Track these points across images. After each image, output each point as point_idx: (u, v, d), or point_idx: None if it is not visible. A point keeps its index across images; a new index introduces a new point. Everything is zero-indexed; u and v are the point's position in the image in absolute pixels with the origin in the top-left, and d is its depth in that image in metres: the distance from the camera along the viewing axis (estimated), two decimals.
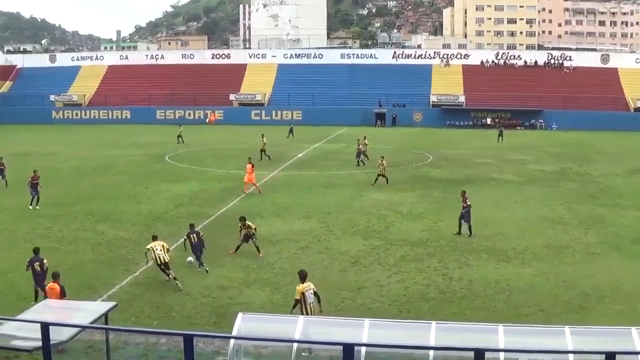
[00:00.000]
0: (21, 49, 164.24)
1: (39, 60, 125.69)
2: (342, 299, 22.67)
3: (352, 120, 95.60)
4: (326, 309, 20.81)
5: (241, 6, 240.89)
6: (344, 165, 53.69)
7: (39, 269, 22.14)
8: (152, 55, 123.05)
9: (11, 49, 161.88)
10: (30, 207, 37.92)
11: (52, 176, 46.78)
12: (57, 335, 12.23)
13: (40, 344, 11.56)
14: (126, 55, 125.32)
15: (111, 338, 16.73)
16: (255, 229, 28.24)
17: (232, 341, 13.03)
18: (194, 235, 26.64)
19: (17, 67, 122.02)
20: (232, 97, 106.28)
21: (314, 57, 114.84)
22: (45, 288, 18.96)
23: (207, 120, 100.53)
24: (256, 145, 58.05)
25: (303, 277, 19.23)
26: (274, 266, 26.39)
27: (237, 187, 43.37)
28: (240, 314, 13.90)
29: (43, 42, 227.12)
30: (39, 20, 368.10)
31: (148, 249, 24.68)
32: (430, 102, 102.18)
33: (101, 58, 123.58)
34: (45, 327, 11.42)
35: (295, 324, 13.30)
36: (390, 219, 34.85)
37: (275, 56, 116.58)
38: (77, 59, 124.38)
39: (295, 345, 12.74)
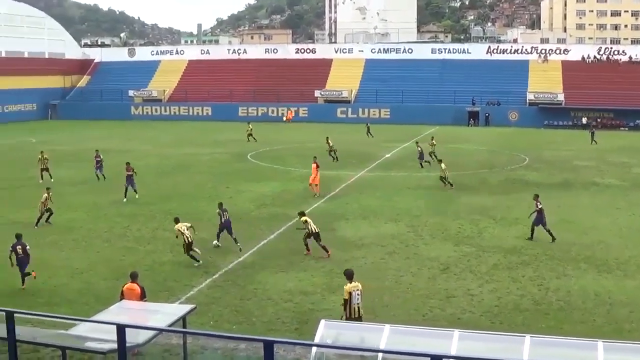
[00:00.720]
0: (99, 43, 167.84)
1: (118, 54, 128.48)
2: (430, 307, 22.55)
3: (442, 119, 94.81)
4: (413, 318, 20.82)
5: None
6: (434, 167, 53.30)
7: (21, 252, 24.59)
8: (234, 50, 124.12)
9: (89, 43, 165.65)
10: (125, 200, 39.38)
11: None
12: (133, 337, 12.39)
13: (115, 346, 11.74)
14: (207, 50, 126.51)
15: (189, 342, 16.97)
16: (311, 231, 28.70)
17: (314, 349, 13.07)
18: (226, 213, 30.08)
19: (95, 61, 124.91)
20: (317, 93, 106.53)
21: (403, 52, 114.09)
22: (123, 290, 19.33)
23: (284, 119, 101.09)
24: (340, 145, 58.09)
25: (350, 275, 19.55)
26: (359, 271, 26.17)
27: (321, 187, 43.56)
28: (322, 321, 13.95)
29: (122, 35, 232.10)
30: (117, 12, 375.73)
31: (178, 230, 27.78)
32: (527, 101, 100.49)
33: (181, 52, 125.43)
34: (121, 329, 11.59)
35: (380, 333, 13.27)
36: (482, 224, 34.52)
37: (362, 51, 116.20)
38: (157, 53, 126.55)
39: (380, 355, 12.70)
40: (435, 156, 53.49)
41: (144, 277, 24.39)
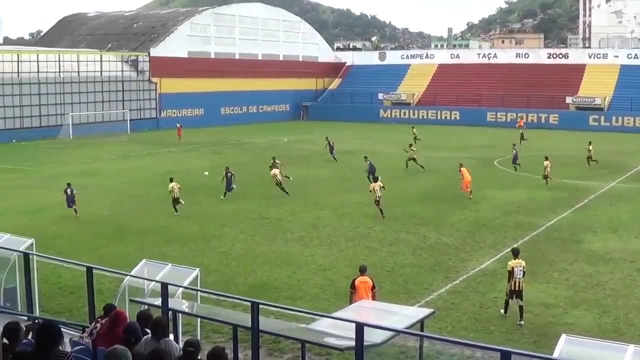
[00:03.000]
0: (351, 46, 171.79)
1: (368, 58, 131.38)
2: None
3: None
4: None
5: (581, 2, 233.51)
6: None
7: (69, 193, 37.25)
8: (484, 54, 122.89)
9: (341, 46, 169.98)
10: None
11: None
12: (371, 336, 12.56)
13: (352, 343, 11.94)
14: (457, 54, 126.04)
15: (425, 346, 17.01)
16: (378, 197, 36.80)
17: None
18: (230, 174, 42.27)
19: (347, 64, 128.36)
20: (568, 100, 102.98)
21: None
22: (355, 282, 19.76)
23: (516, 125, 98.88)
24: (584, 153, 56.16)
25: (516, 253, 22.55)
26: (605, 287, 25.39)
27: (569, 197, 42.37)
28: (563, 336, 13.55)
29: (373, 39, 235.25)
30: (369, 17, 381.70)
31: (171, 188, 37.78)
32: None
33: (431, 56, 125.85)
34: (360, 327, 11.78)
35: (623, 353, 12.72)
36: None
37: (617, 56, 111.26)
38: (407, 57, 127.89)
39: None
40: (596, 161, 54.97)
41: (385, 278, 24.83)
